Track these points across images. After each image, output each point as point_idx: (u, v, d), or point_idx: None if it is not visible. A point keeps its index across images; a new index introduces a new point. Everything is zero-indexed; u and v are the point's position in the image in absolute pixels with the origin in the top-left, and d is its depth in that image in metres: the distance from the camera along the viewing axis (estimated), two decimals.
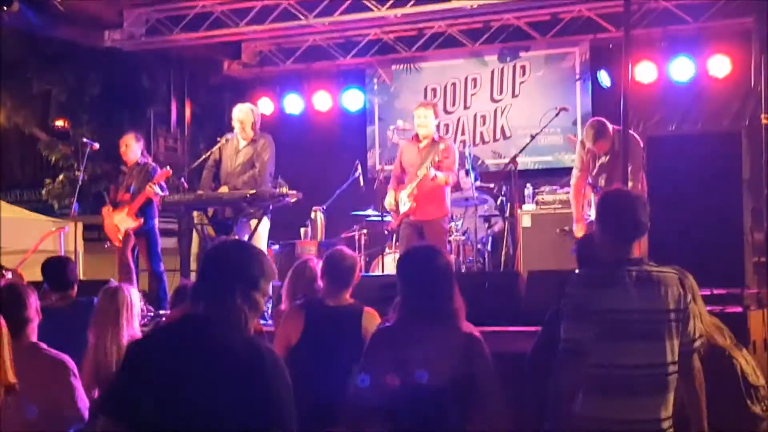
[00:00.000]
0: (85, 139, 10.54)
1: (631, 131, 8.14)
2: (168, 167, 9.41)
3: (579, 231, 8.35)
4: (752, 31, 8.73)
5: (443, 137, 8.97)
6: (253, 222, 8.25)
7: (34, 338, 4.48)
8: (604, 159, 8.32)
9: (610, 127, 7.98)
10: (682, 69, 10.55)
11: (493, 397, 3.82)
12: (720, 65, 10.30)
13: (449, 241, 9.11)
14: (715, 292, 6.30)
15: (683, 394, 3.88)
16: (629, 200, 3.96)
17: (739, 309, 6.64)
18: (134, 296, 5.53)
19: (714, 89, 10.39)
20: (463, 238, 9.51)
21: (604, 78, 10.88)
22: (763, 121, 8.20)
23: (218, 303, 3.07)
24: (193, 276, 9.61)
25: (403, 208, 8.34)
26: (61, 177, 15.74)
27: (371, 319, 4.75)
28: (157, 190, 8.98)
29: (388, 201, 8.47)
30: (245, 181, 8.36)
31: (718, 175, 6.93)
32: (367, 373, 3.85)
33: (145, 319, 7.28)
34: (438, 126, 8.66)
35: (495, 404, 3.83)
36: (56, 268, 6.18)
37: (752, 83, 8.49)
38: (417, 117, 8.52)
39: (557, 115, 9.49)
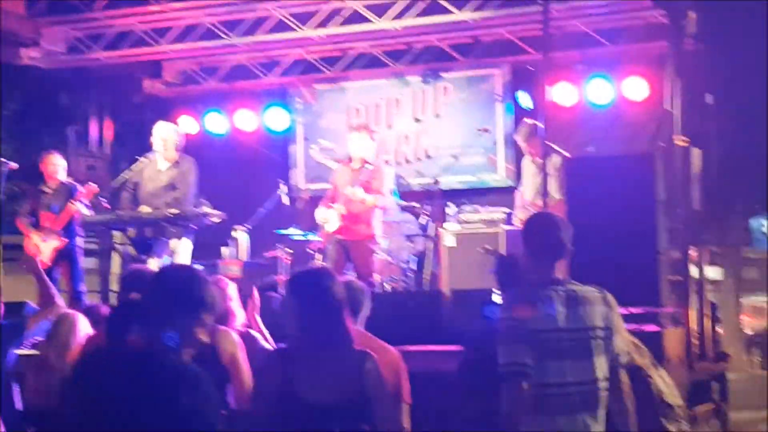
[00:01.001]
0: (2, 159, 10.32)
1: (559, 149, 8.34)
2: (93, 184, 9.29)
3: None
4: (666, 54, 8.96)
5: (374, 163, 8.98)
6: (174, 242, 8.19)
7: None
8: (534, 169, 8.50)
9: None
10: (600, 91, 10.78)
11: (388, 415, 3.81)
12: (636, 88, 10.56)
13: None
14: (632, 311, 6.43)
15: (613, 410, 3.97)
16: (553, 222, 4.07)
17: (656, 328, 6.79)
18: (84, 324, 5.46)
19: (631, 111, 10.63)
20: (387, 257, 9.55)
21: (524, 99, 11.05)
22: (677, 143, 8.42)
23: (153, 329, 3.03)
24: (112, 297, 9.47)
25: (330, 227, 8.36)
26: None
27: (225, 337, 4.72)
28: (80, 207, 8.86)
29: (320, 215, 8.54)
30: (167, 203, 8.31)
31: (634, 196, 7.09)
32: (257, 396, 3.82)
33: None
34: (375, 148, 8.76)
35: (390, 423, 3.82)
36: None
37: (666, 105, 8.72)
38: (349, 140, 8.63)
39: (479, 136, 9.62)
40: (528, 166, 9.09)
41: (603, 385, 3.88)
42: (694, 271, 8.44)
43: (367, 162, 8.45)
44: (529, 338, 3.80)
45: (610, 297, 4.03)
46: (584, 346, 3.85)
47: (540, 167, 8.42)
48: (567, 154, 8.17)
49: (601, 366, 3.87)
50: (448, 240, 9.59)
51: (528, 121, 8.97)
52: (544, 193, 7.73)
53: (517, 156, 10.29)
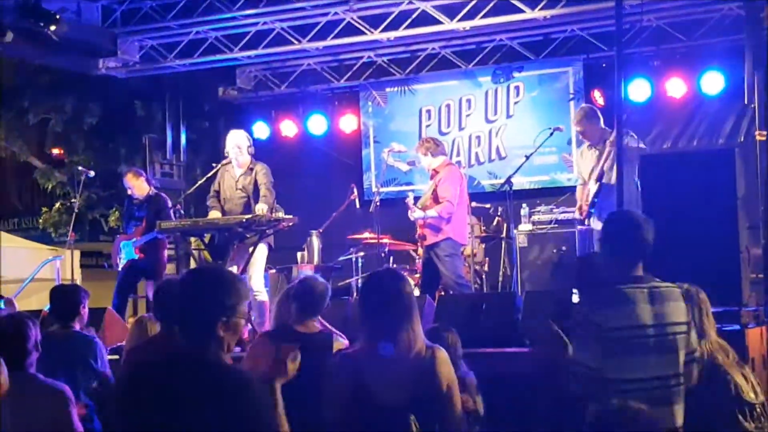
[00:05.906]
0: (80, 167, 10.53)
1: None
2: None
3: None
4: (744, 47, 8.75)
5: (440, 169, 8.83)
6: (250, 248, 8.22)
7: (32, 370, 4.46)
8: (591, 155, 8.31)
9: (598, 117, 8.19)
10: (675, 87, 10.57)
11: (454, 412, 3.79)
12: (714, 82, 10.32)
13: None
14: (713, 310, 6.28)
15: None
16: (636, 222, 4.06)
17: (737, 327, 6.63)
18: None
19: (709, 106, 10.41)
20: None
21: (597, 97, 10.89)
22: (758, 138, 8.21)
23: (198, 334, 3.07)
24: None
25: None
26: (57, 205, 15.74)
27: (341, 347, 4.78)
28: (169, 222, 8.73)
29: None
30: (261, 208, 8.19)
31: (713, 193, 6.95)
32: (330, 398, 3.82)
33: None
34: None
35: (454, 420, 3.80)
36: (60, 297, 6.14)
37: (746, 100, 8.51)
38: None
39: (552, 134, 9.47)
40: (585, 154, 8.74)
41: (681, 379, 3.92)
42: None
43: (436, 172, 8.55)
44: (607, 335, 3.82)
45: (701, 294, 4.21)
46: (667, 341, 3.89)
47: (596, 154, 8.23)
48: (643, 145, 7.94)
49: (681, 360, 3.92)
50: (522, 241, 9.51)
51: (584, 105, 8.80)
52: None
53: None
